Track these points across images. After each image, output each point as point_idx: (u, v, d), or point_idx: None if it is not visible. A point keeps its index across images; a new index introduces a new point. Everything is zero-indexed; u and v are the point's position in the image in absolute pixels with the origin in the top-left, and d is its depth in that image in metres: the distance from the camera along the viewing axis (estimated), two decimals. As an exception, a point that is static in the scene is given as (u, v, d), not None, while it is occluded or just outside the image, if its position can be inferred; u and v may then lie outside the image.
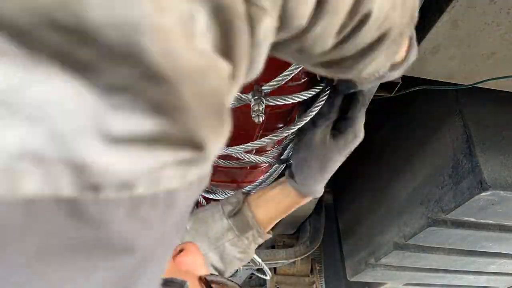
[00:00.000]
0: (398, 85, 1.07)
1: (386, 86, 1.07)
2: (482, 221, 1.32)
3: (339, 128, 0.73)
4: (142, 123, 0.19)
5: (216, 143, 0.24)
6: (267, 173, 0.97)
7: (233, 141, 0.80)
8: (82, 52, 0.17)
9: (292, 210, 0.85)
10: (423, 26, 0.91)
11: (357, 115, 0.71)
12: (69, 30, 0.17)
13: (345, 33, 0.37)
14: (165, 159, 0.20)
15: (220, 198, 1.07)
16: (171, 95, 0.20)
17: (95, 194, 0.18)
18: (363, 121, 0.74)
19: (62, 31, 0.17)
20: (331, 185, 2.12)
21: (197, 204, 1.15)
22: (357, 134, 0.73)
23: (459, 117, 1.24)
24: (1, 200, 0.16)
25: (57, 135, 0.17)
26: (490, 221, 1.33)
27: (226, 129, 0.25)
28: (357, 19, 0.36)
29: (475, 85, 1.04)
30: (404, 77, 1.07)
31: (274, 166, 0.95)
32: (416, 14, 0.44)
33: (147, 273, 0.24)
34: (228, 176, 1.02)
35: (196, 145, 0.22)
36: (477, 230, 1.36)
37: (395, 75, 0.53)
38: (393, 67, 0.52)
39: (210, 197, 1.09)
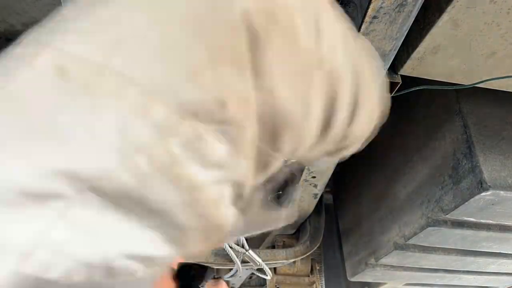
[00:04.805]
0: (398, 85, 1.07)
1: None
2: (482, 221, 1.32)
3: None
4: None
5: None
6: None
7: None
8: None
9: None
10: (423, 26, 0.91)
11: (295, 188, 0.76)
12: None
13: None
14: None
15: None
16: None
17: None
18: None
19: None
20: (331, 185, 2.12)
21: None
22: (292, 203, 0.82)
23: (459, 117, 1.24)
24: None
25: None
26: (490, 221, 1.33)
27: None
28: None
29: (475, 85, 1.04)
30: (404, 77, 1.07)
31: None
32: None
33: None
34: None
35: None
36: (477, 230, 1.36)
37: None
38: None
39: None
